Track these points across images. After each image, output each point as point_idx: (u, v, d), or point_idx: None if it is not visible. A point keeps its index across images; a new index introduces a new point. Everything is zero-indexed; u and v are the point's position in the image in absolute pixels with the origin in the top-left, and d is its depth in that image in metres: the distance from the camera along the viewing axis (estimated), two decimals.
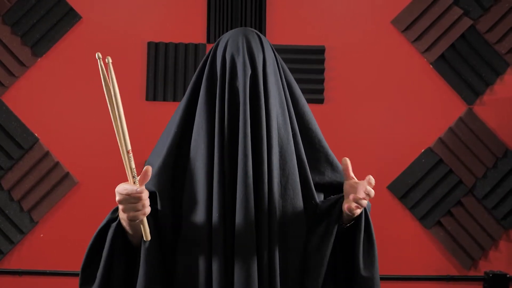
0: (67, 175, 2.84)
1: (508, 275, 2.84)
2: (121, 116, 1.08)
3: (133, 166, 1.09)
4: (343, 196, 1.22)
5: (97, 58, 1.07)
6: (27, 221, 2.82)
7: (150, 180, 1.16)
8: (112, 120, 1.08)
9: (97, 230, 1.21)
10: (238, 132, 1.17)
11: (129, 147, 1.09)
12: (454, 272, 2.90)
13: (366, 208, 1.24)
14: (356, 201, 1.15)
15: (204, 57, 1.28)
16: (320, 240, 1.21)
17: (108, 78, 1.09)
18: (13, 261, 2.83)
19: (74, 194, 2.85)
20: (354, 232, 1.23)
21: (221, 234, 1.16)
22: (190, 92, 1.26)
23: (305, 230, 1.23)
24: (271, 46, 1.28)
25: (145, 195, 1.10)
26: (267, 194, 1.18)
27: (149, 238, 1.15)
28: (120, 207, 1.10)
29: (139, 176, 1.10)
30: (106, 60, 1.09)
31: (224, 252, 1.16)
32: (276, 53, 1.29)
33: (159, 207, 1.21)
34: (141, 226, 1.14)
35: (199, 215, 1.18)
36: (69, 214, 2.84)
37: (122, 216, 1.14)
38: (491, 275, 2.84)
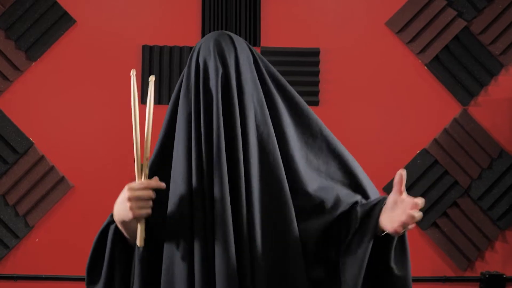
0: (62, 179, 2.83)
1: (504, 276, 2.85)
2: (150, 129, 1.19)
3: (147, 172, 1.18)
4: (379, 207, 1.17)
5: (131, 74, 1.22)
6: (22, 226, 2.81)
7: None
8: (135, 129, 1.19)
9: (98, 232, 1.26)
10: (212, 131, 1.19)
11: (148, 155, 1.19)
12: (450, 273, 2.90)
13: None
14: (403, 224, 1.08)
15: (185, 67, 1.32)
16: (355, 253, 1.18)
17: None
18: (9, 266, 2.81)
19: (69, 198, 2.84)
20: (387, 241, 1.18)
21: (200, 231, 1.17)
22: (173, 101, 1.29)
23: (293, 222, 1.21)
24: (247, 44, 1.30)
25: (153, 196, 1.16)
26: (245, 192, 1.19)
27: (142, 244, 1.17)
28: (128, 204, 1.14)
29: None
30: (150, 79, 1.24)
31: (205, 246, 1.17)
32: (256, 54, 1.30)
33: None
34: (139, 230, 1.17)
35: (180, 217, 1.20)
36: (65, 218, 2.83)
37: (122, 216, 1.17)
38: (487, 276, 2.84)
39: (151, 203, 1.15)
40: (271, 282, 1.19)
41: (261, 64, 1.29)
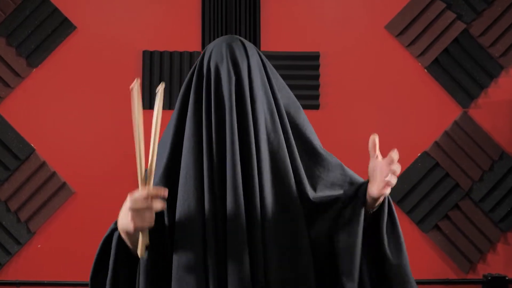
0: (63, 185, 2.83)
1: (506, 278, 2.84)
2: (156, 138, 1.15)
3: (152, 182, 1.13)
4: (366, 181, 1.21)
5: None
6: (24, 232, 2.81)
7: None
8: (138, 138, 1.15)
9: (102, 240, 1.23)
10: (226, 139, 1.18)
11: (154, 165, 1.15)
12: (452, 275, 2.90)
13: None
14: (386, 182, 1.13)
15: (192, 68, 1.29)
16: (349, 226, 1.20)
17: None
18: (11, 272, 2.81)
19: (71, 204, 2.84)
20: (378, 220, 1.21)
21: (212, 237, 1.17)
22: (180, 105, 1.27)
23: (305, 231, 1.22)
24: (257, 52, 1.29)
25: (156, 207, 1.11)
26: (259, 200, 1.19)
27: (143, 254, 1.15)
28: (129, 215, 1.10)
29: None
30: (159, 87, 1.18)
31: (217, 251, 1.17)
32: (264, 58, 1.30)
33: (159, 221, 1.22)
34: (140, 240, 1.14)
35: (192, 220, 1.19)
36: (66, 224, 2.83)
37: (125, 226, 1.14)
38: (489, 278, 2.83)
39: (153, 214, 1.11)
40: None
41: (268, 71, 1.29)
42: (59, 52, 2.87)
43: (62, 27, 2.86)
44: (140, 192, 1.10)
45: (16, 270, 2.81)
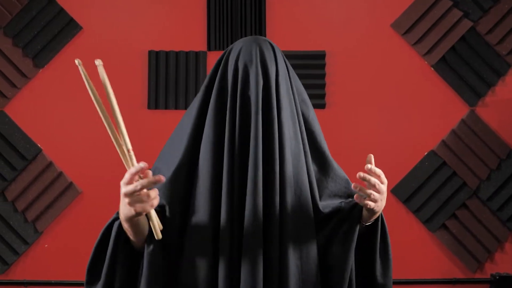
0: (70, 185, 2.84)
1: None
2: (118, 117, 1.09)
3: (136, 164, 1.06)
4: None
5: (77, 64, 1.09)
6: (31, 232, 2.82)
7: (160, 191, 1.15)
8: (106, 122, 1.09)
9: (102, 230, 1.20)
10: (248, 143, 1.16)
11: (129, 146, 1.08)
12: (460, 275, 2.88)
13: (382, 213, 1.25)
14: (366, 196, 1.15)
15: (215, 65, 1.26)
16: (343, 242, 1.21)
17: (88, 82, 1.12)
18: (18, 272, 2.83)
19: (77, 204, 2.85)
20: (371, 235, 1.23)
21: (227, 248, 1.15)
22: (200, 101, 1.25)
23: (315, 240, 1.23)
24: (283, 56, 1.27)
25: (149, 185, 1.06)
26: (279, 206, 1.17)
27: (160, 236, 1.11)
28: (126, 200, 1.06)
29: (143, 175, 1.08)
30: (96, 62, 1.11)
31: (230, 261, 1.16)
32: (287, 62, 1.28)
33: (167, 216, 1.20)
34: (152, 224, 1.10)
35: (206, 229, 1.17)
36: (73, 224, 2.84)
37: (126, 213, 1.09)
38: (497, 277, 2.82)
39: (153, 192, 1.06)
40: None
41: (291, 75, 1.28)
42: (65, 52, 2.88)
43: (68, 27, 2.87)
44: (125, 176, 1.06)
45: (24, 270, 2.82)
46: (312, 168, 1.26)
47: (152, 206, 1.07)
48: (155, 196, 1.07)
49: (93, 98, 1.10)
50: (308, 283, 1.20)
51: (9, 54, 2.85)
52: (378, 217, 1.23)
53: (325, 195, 1.28)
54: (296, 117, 1.24)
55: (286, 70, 1.25)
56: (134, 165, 1.07)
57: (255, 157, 1.14)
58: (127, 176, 1.05)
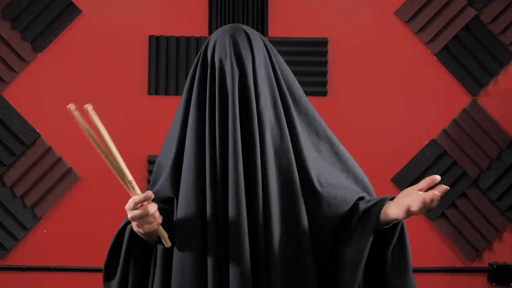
0: (69, 170, 2.83)
1: None
2: (115, 154, 1.16)
3: (139, 192, 1.14)
4: (383, 199, 1.21)
5: (70, 110, 1.14)
6: (30, 217, 2.81)
7: (164, 185, 1.24)
8: (106, 160, 1.16)
9: (116, 231, 1.27)
10: (228, 135, 1.17)
11: (130, 178, 1.14)
12: (458, 263, 2.90)
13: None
14: (408, 207, 1.11)
15: (196, 57, 1.27)
16: (357, 242, 1.20)
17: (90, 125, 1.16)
18: (17, 257, 2.82)
19: (76, 189, 2.84)
20: (387, 239, 1.21)
21: (213, 237, 1.17)
22: (185, 97, 1.27)
23: (306, 225, 1.22)
24: (262, 41, 1.26)
25: (153, 209, 1.13)
26: (262, 194, 1.18)
27: (169, 244, 1.19)
28: (134, 223, 1.16)
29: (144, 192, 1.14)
30: (85, 108, 1.14)
31: (217, 252, 1.17)
32: (269, 47, 1.27)
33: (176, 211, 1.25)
34: (160, 235, 1.18)
35: (192, 218, 1.20)
36: (72, 209, 2.83)
37: (137, 229, 1.18)
38: (495, 266, 2.84)
39: (154, 215, 1.14)
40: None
41: (274, 61, 1.27)
42: (64, 36, 2.85)
43: (68, 11, 2.83)
44: (130, 203, 1.13)
45: (22, 255, 2.82)
46: (307, 151, 1.25)
47: (158, 224, 1.16)
48: (158, 216, 1.16)
49: (91, 140, 1.17)
50: (296, 270, 1.21)
51: (8, 37, 2.81)
52: (397, 225, 1.21)
53: (330, 175, 1.27)
54: (280, 102, 1.24)
55: (266, 56, 1.24)
56: (137, 194, 1.14)
57: (234, 149, 1.16)
58: (131, 204, 1.12)
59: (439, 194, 1.08)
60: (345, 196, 1.26)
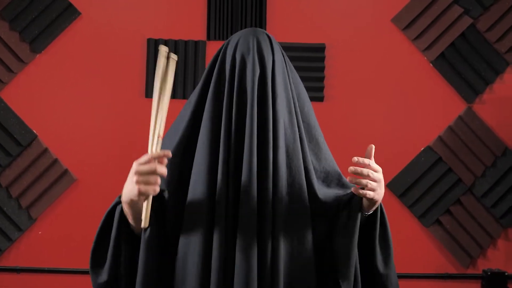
0: (65, 172, 2.82)
1: (506, 273, 2.85)
2: (165, 107, 1.16)
3: (159, 149, 1.15)
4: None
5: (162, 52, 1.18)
6: (25, 218, 2.81)
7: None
8: (155, 104, 1.15)
9: (105, 213, 1.23)
10: (244, 130, 1.19)
11: (161, 133, 1.15)
12: (452, 270, 2.91)
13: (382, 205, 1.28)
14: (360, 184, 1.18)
15: (214, 56, 1.30)
16: (346, 229, 1.24)
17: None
18: (11, 259, 2.81)
19: (72, 191, 2.84)
20: (371, 226, 1.26)
21: (223, 232, 1.17)
22: (200, 90, 1.28)
23: (310, 228, 1.25)
24: (280, 47, 1.30)
25: (161, 169, 1.12)
26: (272, 192, 1.20)
27: (147, 225, 1.15)
28: (134, 178, 1.11)
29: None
30: (173, 56, 1.19)
31: (225, 249, 1.17)
32: (284, 54, 1.32)
33: (166, 198, 1.23)
34: (144, 207, 1.14)
35: (201, 212, 1.20)
36: (68, 211, 2.83)
37: (129, 193, 1.13)
38: (489, 273, 2.84)
39: (158, 179, 1.12)
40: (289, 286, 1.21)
41: (288, 68, 1.31)
42: (63, 38, 2.85)
43: (67, 12, 2.84)
44: (144, 157, 1.12)
45: (17, 257, 2.81)
46: (310, 157, 1.29)
47: (154, 191, 1.12)
48: (158, 183, 1.12)
49: (158, 82, 1.17)
50: (301, 269, 1.23)
51: (6, 38, 2.82)
52: (378, 207, 1.26)
53: (319, 184, 1.31)
54: (293, 106, 1.28)
55: (283, 61, 1.29)
56: (157, 151, 1.14)
57: (250, 144, 1.18)
58: (145, 158, 1.12)
59: (357, 158, 1.18)
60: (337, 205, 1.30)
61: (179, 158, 1.25)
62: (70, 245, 2.79)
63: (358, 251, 1.27)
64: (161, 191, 1.22)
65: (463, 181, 2.90)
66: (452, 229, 2.89)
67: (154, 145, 1.15)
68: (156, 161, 1.12)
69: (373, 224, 1.27)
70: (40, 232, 2.83)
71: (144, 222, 1.14)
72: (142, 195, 1.12)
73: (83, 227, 2.78)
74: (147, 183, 1.11)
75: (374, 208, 1.25)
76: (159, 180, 1.12)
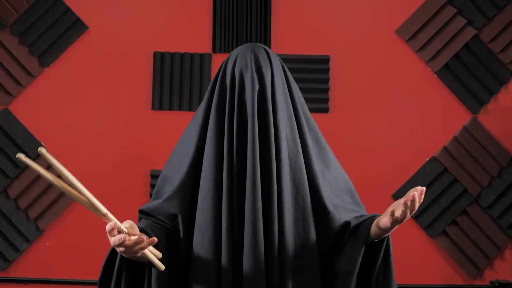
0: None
1: None
2: (82, 189, 1.12)
3: (117, 222, 1.09)
4: (373, 215, 1.27)
5: (21, 159, 1.09)
6: (33, 230, 2.83)
7: (170, 201, 1.24)
8: (76, 199, 1.13)
9: (109, 250, 1.26)
10: (246, 146, 1.21)
11: (105, 211, 1.10)
12: (459, 281, 2.89)
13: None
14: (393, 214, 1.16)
15: (216, 73, 1.33)
16: (350, 253, 1.26)
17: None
18: (19, 270, 2.83)
19: (79, 203, 2.86)
20: (374, 253, 1.27)
21: (230, 245, 1.20)
22: (204, 108, 1.31)
23: (315, 238, 1.27)
24: (279, 60, 1.32)
25: (130, 240, 1.09)
26: (277, 204, 1.21)
27: (162, 268, 1.17)
28: (118, 249, 1.11)
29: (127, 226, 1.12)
30: (39, 152, 1.11)
31: (232, 261, 1.20)
32: (284, 67, 1.34)
33: (181, 229, 1.26)
34: (150, 260, 1.15)
35: (208, 224, 1.22)
36: (75, 222, 2.85)
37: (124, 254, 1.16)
38: (496, 284, 2.83)
39: (136, 241, 1.08)
40: None
41: (289, 79, 1.33)
42: (71, 52, 2.90)
43: (75, 27, 2.89)
44: (111, 238, 1.09)
45: (25, 268, 2.83)
46: (317, 167, 1.30)
47: (142, 249, 1.10)
48: (142, 243, 1.08)
49: (57, 185, 1.13)
50: (305, 275, 1.25)
51: (15, 52, 2.86)
52: (385, 236, 1.26)
53: (328, 194, 1.32)
54: (294, 119, 1.29)
55: (282, 74, 1.31)
56: (113, 221, 1.09)
57: (252, 158, 1.19)
58: (113, 242, 1.09)
59: (416, 193, 1.13)
60: (346, 217, 1.31)
61: (192, 179, 1.27)
62: (78, 256, 2.80)
63: (362, 278, 1.28)
64: (175, 216, 1.25)
65: (469, 192, 2.89)
66: (458, 240, 2.88)
67: (114, 219, 1.09)
68: (118, 230, 1.07)
69: (377, 251, 1.27)
70: (48, 243, 2.85)
71: (159, 267, 1.16)
72: (133, 256, 1.12)
73: (91, 238, 2.80)
74: (128, 251, 1.09)
75: (381, 237, 1.26)
76: (139, 239, 1.08)
